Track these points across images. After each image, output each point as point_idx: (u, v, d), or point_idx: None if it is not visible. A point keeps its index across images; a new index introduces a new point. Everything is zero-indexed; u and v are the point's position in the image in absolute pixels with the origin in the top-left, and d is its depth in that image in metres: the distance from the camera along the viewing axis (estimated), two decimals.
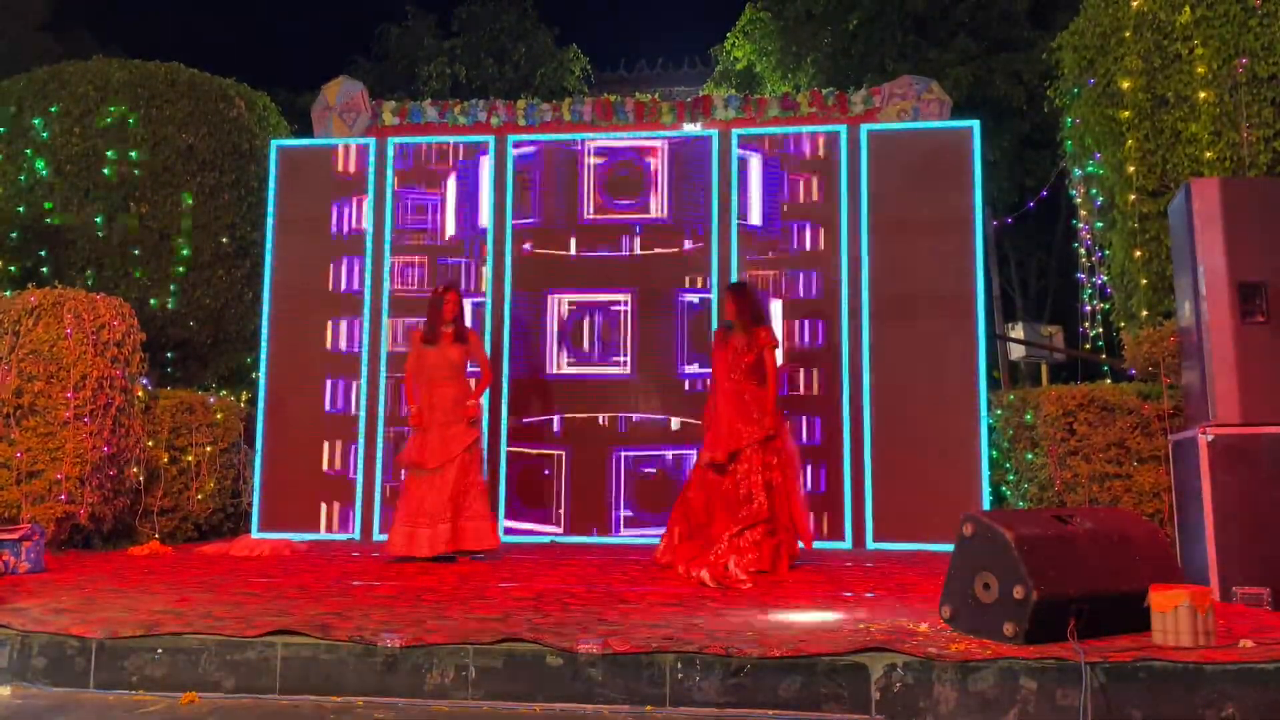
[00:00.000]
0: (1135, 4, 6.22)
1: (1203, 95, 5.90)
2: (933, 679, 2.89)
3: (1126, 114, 6.25)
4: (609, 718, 2.92)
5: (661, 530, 5.65)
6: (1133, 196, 6.17)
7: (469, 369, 6.08)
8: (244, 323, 8.39)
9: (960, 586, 3.30)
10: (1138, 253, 6.16)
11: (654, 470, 7.05)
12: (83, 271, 7.85)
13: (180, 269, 8.08)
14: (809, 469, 6.81)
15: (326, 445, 7.22)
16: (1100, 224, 6.79)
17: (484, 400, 6.53)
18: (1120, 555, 3.33)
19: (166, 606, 3.78)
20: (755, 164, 7.31)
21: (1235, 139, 5.81)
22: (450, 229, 7.54)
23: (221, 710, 3.00)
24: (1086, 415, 5.83)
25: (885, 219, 6.98)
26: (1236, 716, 2.79)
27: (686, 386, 7.10)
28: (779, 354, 5.86)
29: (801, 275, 7.17)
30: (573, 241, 7.33)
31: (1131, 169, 6.19)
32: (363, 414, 7.21)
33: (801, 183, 7.27)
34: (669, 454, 7.06)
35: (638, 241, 7.25)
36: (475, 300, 7.26)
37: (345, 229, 7.45)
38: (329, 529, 7.12)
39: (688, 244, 7.22)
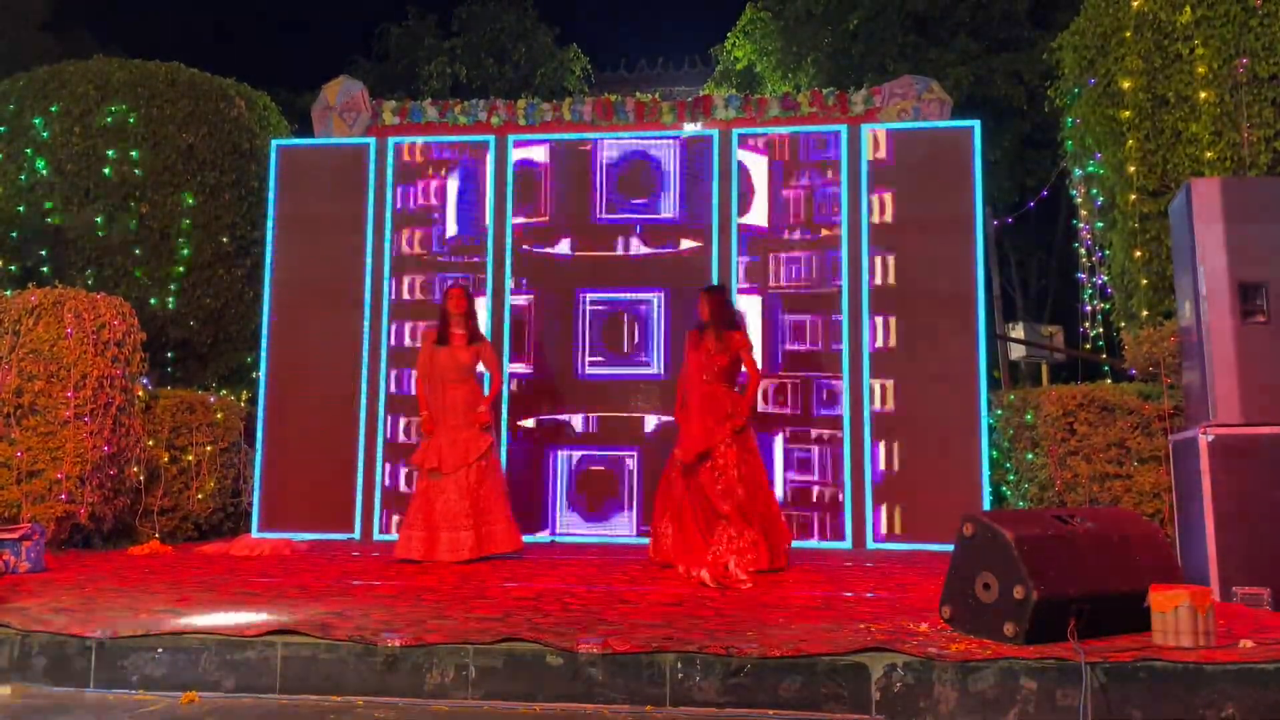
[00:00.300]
0: (1136, 4, 6.23)
1: (1203, 95, 5.90)
2: (933, 679, 2.89)
3: (1127, 114, 6.25)
4: (609, 717, 2.92)
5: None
6: (1133, 196, 6.18)
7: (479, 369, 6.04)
8: (244, 322, 8.39)
9: (960, 586, 3.30)
10: (1138, 253, 6.16)
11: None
12: (83, 271, 7.85)
13: (180, 268, 8.08)
14: (809, 469, 6.81)
15: (327, 445, 7.21)
16: (1101, 224, 6.80)
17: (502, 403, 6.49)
18: (1120, 555, 3.33)
19: (167, 606, 3.78)
20: (755, 164, 7.31)
21: (1236, 139, 5.82)
22: (451, 229, 7.53)
23: (221, 710, 3.00)
24: (1087, 415, 5.83)
25: (885, 219, 6.98)
26: (1236, 717, 2.79)
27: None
28: (757, 355, 5.87)
29: (801, 274, 7.17)
30: (581, 241, 7.34)
31: (1132, 169, 6.19)
32: (363, 414, 7.20)
33: (801, 183, 7.27)
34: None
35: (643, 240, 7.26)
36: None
37: (346, 228, 7.44)
38: (329, 529, 7.11)
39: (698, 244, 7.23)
